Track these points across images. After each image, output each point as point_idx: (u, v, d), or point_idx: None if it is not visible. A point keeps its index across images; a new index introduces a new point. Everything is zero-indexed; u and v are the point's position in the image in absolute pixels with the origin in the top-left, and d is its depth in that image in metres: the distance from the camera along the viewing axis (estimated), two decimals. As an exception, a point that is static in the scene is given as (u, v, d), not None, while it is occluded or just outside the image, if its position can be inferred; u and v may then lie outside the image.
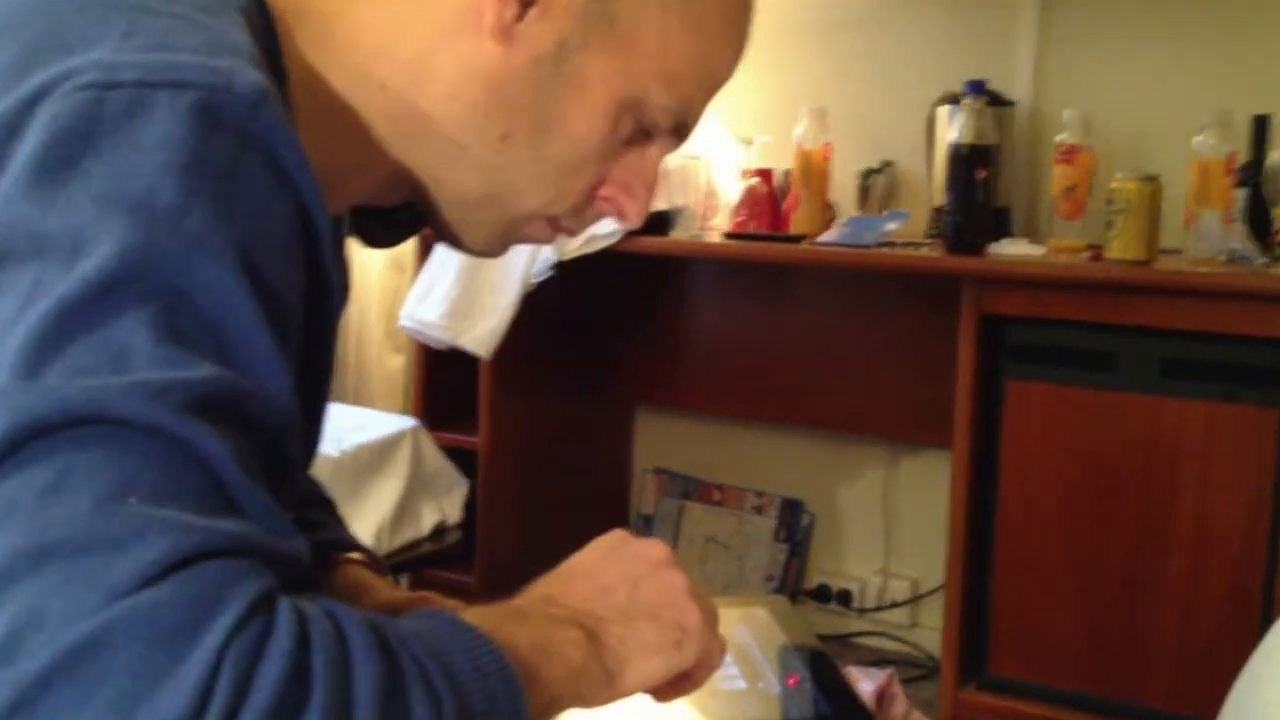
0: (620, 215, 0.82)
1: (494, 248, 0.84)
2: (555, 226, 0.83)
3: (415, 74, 0.76)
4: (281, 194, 0.62)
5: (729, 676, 0.94)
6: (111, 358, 0.55)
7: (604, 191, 0.81)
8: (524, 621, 0.69)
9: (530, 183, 0.79)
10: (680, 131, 0.81)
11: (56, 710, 0.49)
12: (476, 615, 0.65)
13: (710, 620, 0.76)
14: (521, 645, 0.65)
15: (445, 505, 2.77)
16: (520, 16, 0.74)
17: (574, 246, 2.69)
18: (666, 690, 0.76)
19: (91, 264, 0.56)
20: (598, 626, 0.71)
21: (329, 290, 0.68)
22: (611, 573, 0.76)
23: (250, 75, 0.63)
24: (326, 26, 0.76)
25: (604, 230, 2.65)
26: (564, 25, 0.74)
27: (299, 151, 0.63)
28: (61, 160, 0.58)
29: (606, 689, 0.71)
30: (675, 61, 0.77)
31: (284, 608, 0.54)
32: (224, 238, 0.59)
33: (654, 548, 0.78)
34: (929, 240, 2.67)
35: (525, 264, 2.71)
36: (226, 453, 0.55)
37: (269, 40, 0.71)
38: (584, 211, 0.82)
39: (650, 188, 0.82)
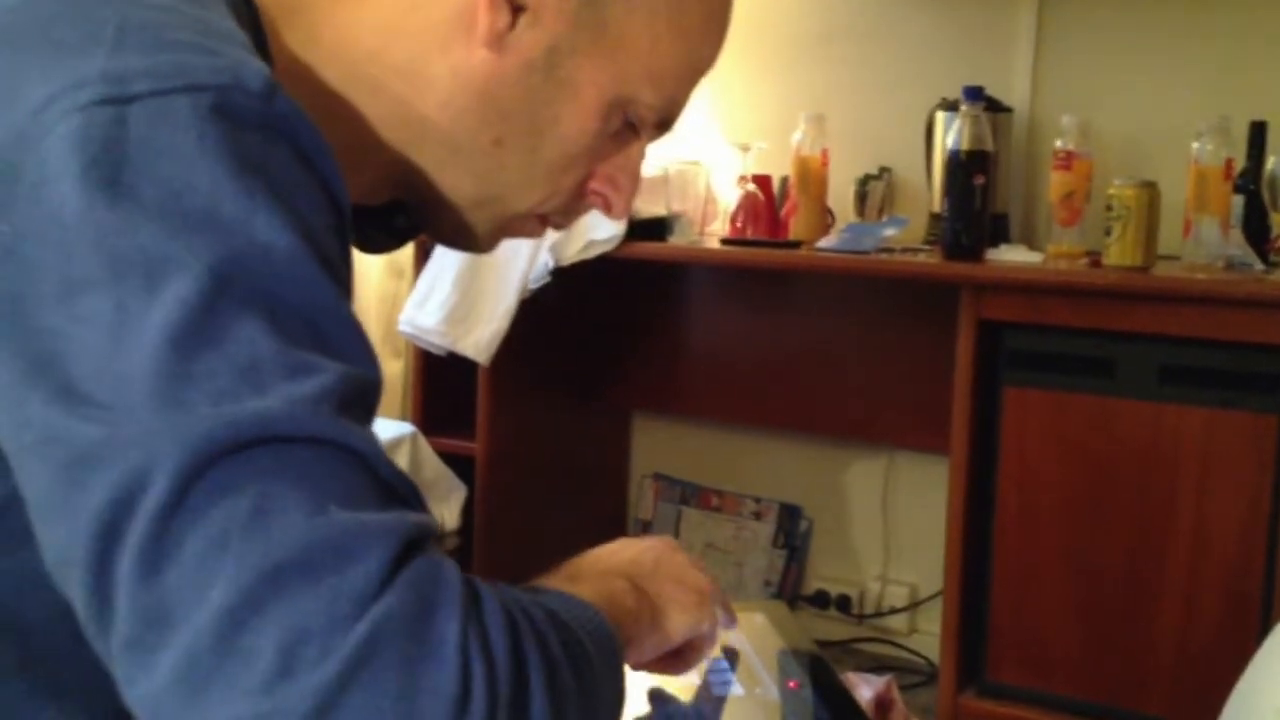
0: (606, 208, 0.84)
1: (486, 245, 0.86)
2: (545, 222, 0.85)
3: (410, 81, 0.76)
4: (311, 179, 0.63)
5: (727, 682, 0.94)
6: (242, 375, 0.56)
7: (591, 185, 0.83)
8: (581, 581, 0.73)
9: (523, 183, 0.80)
10: (664, 125, 0.83)
11: (356, 710, 0.52)
12: (546, 582, 0.71)
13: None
14: (590, 598, 0.69)
15: (443, 511, 2.77)
16: (512, 25, 0.75)
17: (572, 252, 2.69)
18: (674, 663, 0.84)
19: (183, 285, 0.56)
20: (639, 581, 0.78)
21: (351, 269, 0.69)
22: (634, 552, 0.82)
23: (255, 66, 0.63)
24: (314, 26, 0.76)
25: (602, 235, 2.65)
26: (555, 31, 0.75)
27: (317, 135, 0.64)
28: (107, 180, 0.58)
29: (654, 634, 0.78)
30: (663, 61, 0.78)
31: (485, 590, 0.59)
32: (294, 232, 0.59)
33: (663, 539, 0.86)
34: (927, 246, 2.68)
35: (523, 270, 2.71)
36: (373, 447, 0.58)
37: (256, 35, 0.71)
38: (573, 207, 0.84)
39: (635, 180, 0.84)
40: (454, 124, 0.77)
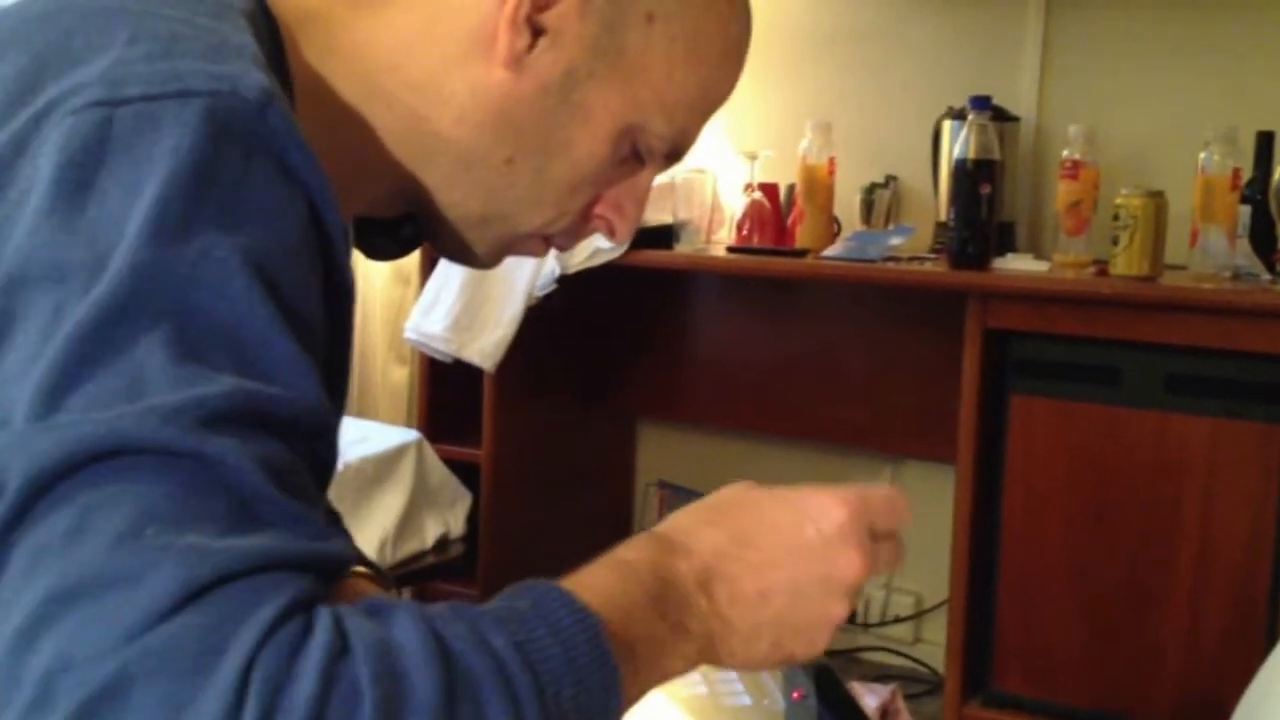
0: (610, 233, 0.84)
1: (490, 261, 0.86)
2: (549, 242, 0.85)
3: (425, 95, 0.76)
4: (293, 196, 0.62)
5: (734, 693, 0.93)
6: (127, 385, 0.55)
7: (597, 210, 0.83)
8: (656, 610, 0.65)
9: (531, 203, 0.80)
10: (674, 155, 0.83)
11: None
12: (614, 580, 0.64)
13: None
14: (637, 635, 0.63)
15: (449, 518, 2.77)
16: (531, 46, 0.75)
17: (578, 260, 2.70)
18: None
19: (103, 287, 0.56)
20: (718, 643, 0.68)
21: (345, 290, 0.68)
22: (785, 568, 0.70)
23: (256, 78, 0.63)
24: (332, 40, 0.76)
25: (608, 244, 2.65)
26: (573, 55, 0.76)
27: (309, 153, 0.63)
28: (77, 183, 0.58)
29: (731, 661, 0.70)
30: (678, 92, 0.78)
31: (320, 619, 0.53)
32: (233, 246, 0.58)
33: (848, 541, 0.71)
34: (933, 255, 2.67)
35: (529, 277, 2.71)
36: (249, 465, 0.54)
37: (273, 46, 0.72)
38: (578, 229, 0.84)
39: (640, 207, 0.84)
40: (468, 140, 0.77)
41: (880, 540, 0.73)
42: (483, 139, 0.77)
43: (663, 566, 0.67)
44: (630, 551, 0.68)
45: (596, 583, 0.64)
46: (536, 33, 0.75)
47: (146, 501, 0.53)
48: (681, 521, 0.73)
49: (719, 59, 0.80)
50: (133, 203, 0.58)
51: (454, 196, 0.80)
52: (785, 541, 0.71)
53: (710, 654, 0.68)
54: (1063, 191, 2.53)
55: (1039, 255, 2.60)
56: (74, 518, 0.52)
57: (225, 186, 0.59)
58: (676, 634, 0.66)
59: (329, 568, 0.57)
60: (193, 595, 0.51)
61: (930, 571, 2.93)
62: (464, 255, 0.85)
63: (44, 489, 0.53)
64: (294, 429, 0.58)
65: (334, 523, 1.04)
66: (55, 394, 0.54)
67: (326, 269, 0.66)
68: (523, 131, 0.77)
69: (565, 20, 0.75)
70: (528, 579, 0.64)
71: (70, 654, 0.50)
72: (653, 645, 0.64)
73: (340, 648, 0.52)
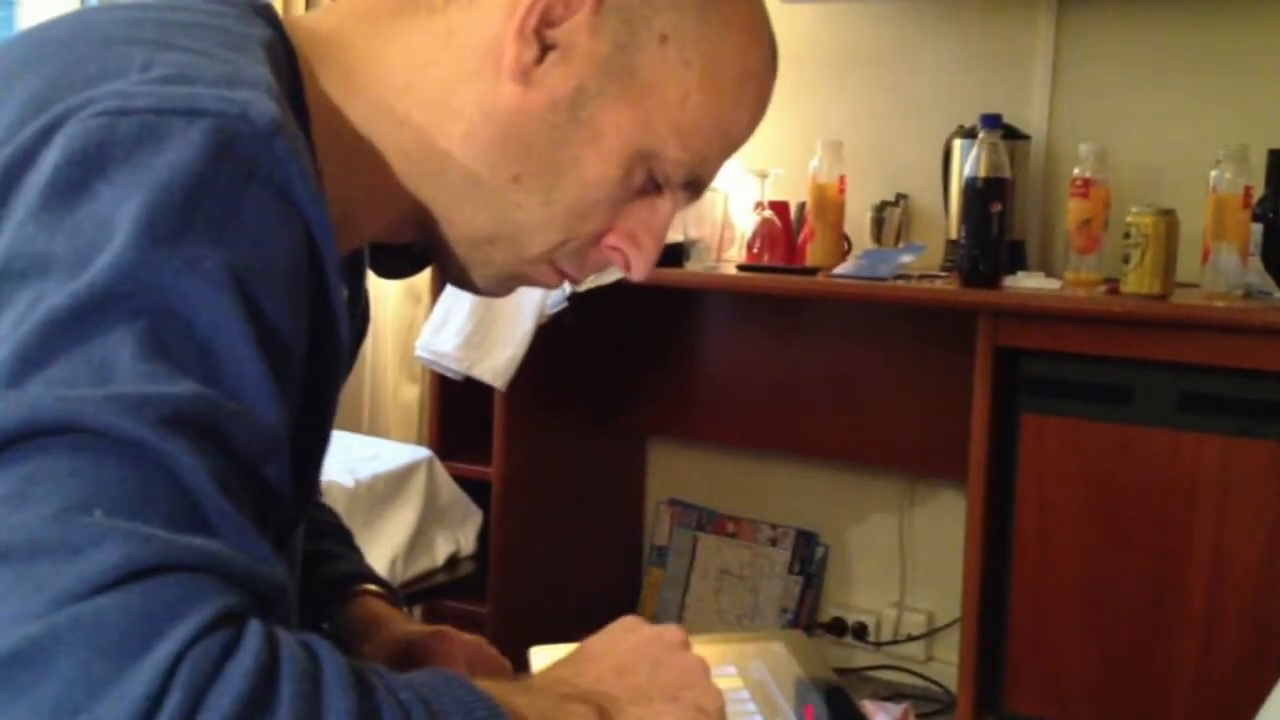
0: (625, 266, 0.83)
1: (499, 288, 0.85)
2: (559, 272, 0.83)
3: (436, 111, 0.76)
4: (290, 226, 0.63)
5: (746, 712, 0.93)
6: (94, 370, 0.55)
7: (611, 240, 0.81)
8: (532, 694, 0.68)
9: (538, 225, 0.79)
10: (693, 187, 0.82)
11: None
12: (483, 685, 0.64)
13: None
14: (525, 714, 0.64)
15: (459, 536, 2.76)
16: (540, 60, 0.75)
17: (589, 278, 2.70)
18: None
19: (85, 278, 0.56)
20: (613, 707, 0.70)
21: (334, 324, 0.68)
22: (628, 654, 0.75)
23: (266, 106, 0.63)
24: (350, 64, 0.76)
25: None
26: (584, 73, 0.75)
27: (311, 185, 0.63)
28: (73, 183, 0.59)
29: None
30: (691, 117, 0.77)
31: (253, 630, 0.53)
32: (219, 260, 0.59)
33: (669, 631, 0.77)
34: (944, 273, 2.67)
35: (540, 296, 2.71)
36: (203, 470, 0.55)
37: (292, 78, 0.72)
38: (589, 258, 0.83)
39: (658, 241, 0.82)
40: (475, 157, 0.77)
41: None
42: (490, 155, 0.77)
43: (512, 680, 0.75)
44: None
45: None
46: (546, 48, 0.75)
47: (97, 483, 0.53)
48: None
49: (736, 87, 0.79)
50: (123, 205, 0.58)
51: (462, 215, 0.79)
52: (612, 636, 0.77)
53: (609, 717, 0.70)
54: (1073, 209, 2.53)
55: (1050, 273, 2.59)
56: (17, 483, 0.52)
57: (219, 202, 0.60)
58: (562, 701, 0.68)
59: (267, 590, 0.56)
60: (133, 576, 0.51)
61: (942, 590, 2.92)
62: (472, 281, 0.84)
63: None
64: (247, 449, 0.58)
65: (345, 540, 1.04)
66: (20, 371, 0.55)
67: (316, 304, 0.65)
68: (530, 149, 0.76)
69: (575, 37, 0.75)
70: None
71: None
72: (542, 713, 0.66)
73: (269, 660, 0.52)
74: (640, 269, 0.83)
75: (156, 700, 0.49)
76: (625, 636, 0.76)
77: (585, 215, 0.79)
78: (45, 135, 0.61)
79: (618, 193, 0.79)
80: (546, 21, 0.74)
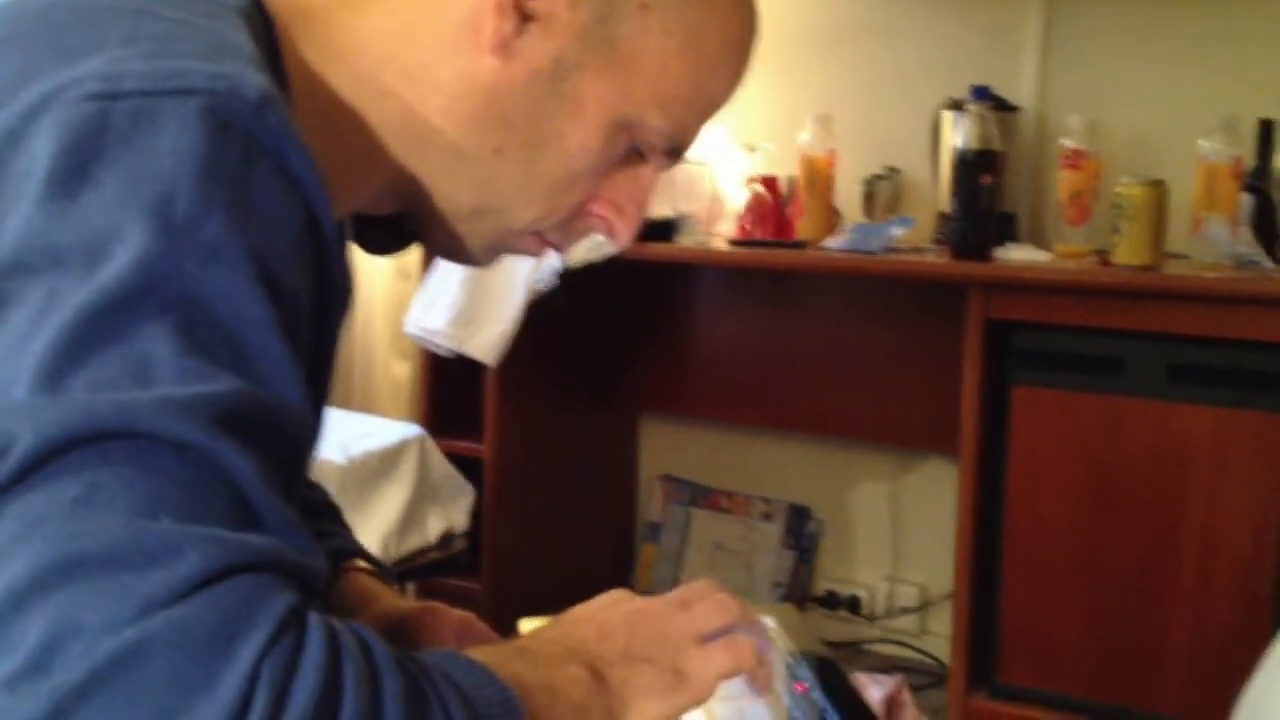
0: (610, 234, 0.82)
1: (483, 258, 0.85)
2: (544, 241, 0.84)
3: (417, 84, 0.76)
4: (290, 198, 0.62)
5: (737, 685, 0.93)
6: (134, 370, 0.55)
7: (595, 209, 0.81)
8: (527, 659, 0.69)
9: (522, 197, 0.79)
10: (674, 153, 0.82)
11: None
12: (479, 653, 0.65)
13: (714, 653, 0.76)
14: (527, 682, 0.65)
15: (452, 513, 2.76)
16: (519, 32, 0.74)
17: (579, 254, 2.69)
18: None
19: (110, 273, 0.56)
20: (601, 666, 0.71)
21: (334, 294, 0.68)
22: (611, 620, 0.76)
23: (255, 78, 0.63)
24: (328, 33, 0.76)
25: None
26: (563, 44, 0.75)
27: (306, 154, 0.63)
28: (72, 171, 0.58)
29: None
30: (673, 86, 0.77)
31: (314, 622, 0.55)
32: (241, 245, 0.58)
33: (656, 600, 0.78)
34: (935, 246, 2.67)
35: (530, 271, 2.71)
36: (251, 468, 0.55)
37: (269, 44, 0.71)
38: (574, 228, 0.83)
39: (642, 207, 0.82)
40: (457, 130, 0.76)
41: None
42: (472, 128, 0.76)
43: (505, 644, 0.73)
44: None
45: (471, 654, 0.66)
46: (526, 19, 0.74)
47: (159, 488, 0.53)
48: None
49: (717, 55, 0.79)
50: (133, 195, 0.57)
51: (445, 188, 0.79)
52: (598, 603, 0.78)
53: (601, 676, 0.71)
54: (1064, 181, 2.53)
55: (1040, 245, 2.59)
56: (81, 489, 0.52)
57: (229, 184, 0.59)
58: (556, 662, 0.70)
59: (313, 580, 0.58)
60: (209, 580, 0.52)
61: (935, 563, 2.93)
62: (457, 252, 0.84)
63: (49, 457, 0.53)
64: (283, 436, 0.59)
65: (335, 517, 1.04)
66: (57, 371, 0.54)
67: (317, 274, 0.65)
68: (512, 121, 0.76)
69: (555, 7, 0.74)
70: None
71: (78, 622, 0.50)
72: (541, 680, 0.67)
73: (334, 648, 0.54)
74: (624, 236, 0.83)
75: (247, 700, 0.50)
76: (600, 609, 0.77)
77: (568, 186, 0.79)
78: (30, 117, 0.60)
79: (599, 162, 0.78)
80: None
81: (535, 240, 0.83)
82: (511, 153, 0.77)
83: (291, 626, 0.53)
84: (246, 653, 0.51)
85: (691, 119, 0.80)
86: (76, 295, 0.55)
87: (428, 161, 0.78)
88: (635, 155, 0.80)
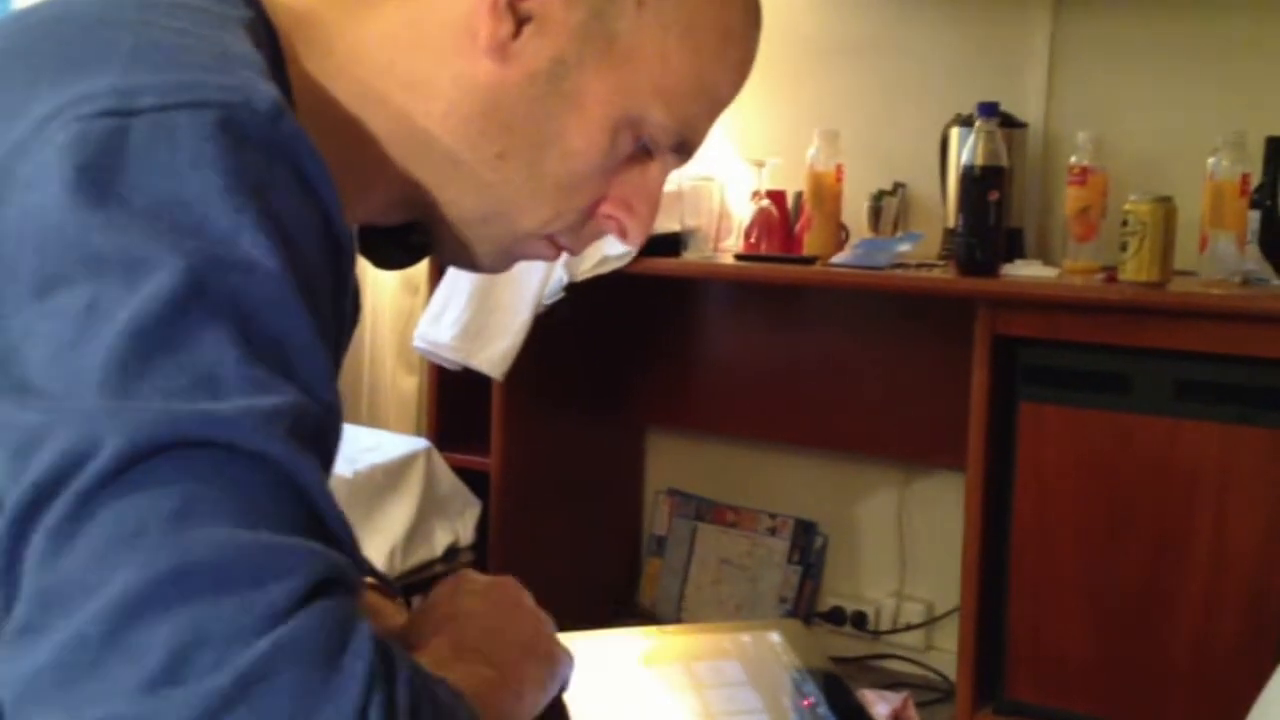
0: (621, 233, 0.82)
1: (497, 265, 0.84)
2: (555, 244, 0.83)
3: (416, 91, 0.75)
4: (309, 204, 0.63)
5: (745, 703, 0.93)
6: (200, 379, 0.55)
7: (605, 209, 0.81)
8: (461, 663, 0.71)
9: (528, 200, 0.78)
10: (682, 150, 0.81)
11: None
12: (425, 655, 0.69)
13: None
14: (466, 688, 0.65)
15: (458, 526, 2.77)
16: (516, 34, 0.74)
17: (586, 268, 2.70)
18: None
19: (159, 284, 0.56)
20: (498, 663, 0.74)
21: (350, 298, 0.69)
22: (490, 614, 0.78)
23: (265, 89, 0.63)
24: (329, 43, 0.76)
25: (616, 251, 2.65)
26: (560, 43, 0.74)
27: (320, 162, 0.63)
28: (97, 184, 0.58)
29: None
30: (674, 80, 0.76)
31: (378, 634, 0.56)
32: (279, 256, 0.59)
33: (510, 586, 0.82)
34: (942, 262, 2.67)
35: (538, 285, 2.71)
36: (318, 480, 0.57)
37: (274, 56, 0.71)
38: (584, 229, 0.82)
39: (653, 205, 0.81)
40: (456, 136, 0.76)
41: None
42: (470, 133, 0.76)
43: (435, 642, 0.75)
44: None
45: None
46: (521, 21, 0.74)
47: (251, 499, 0.54)
48: None
49: (718, 46, 0.78)
50: (170, 209, 0.58)
51: (449, 195, 0.79)
52: (471, 598, 0.80)
53: (505, 677, 0.73)
54: (1071, 198, 2.52)
55: (1048, 261, 2.59)
56: (178, 501, 0.53)
57: (256, 193, 0.59)
58: (477, 665, 0.73)
59: (357, 586, 0.59)
60: (315, 593, 0.54)
61: (941, 579, 2.92)
62: (467, 260, 0.84)
63: (132, 463, 0.53)
64: (331, 445, 0.61)
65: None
66: (124, 379, 0.54)
67: (336, 278, 0.66)
68: (512, 124, 0.76)
69: (550, 7, 0.73)
70: None
71: (205, 631, 0.51)
72: (473, 687, 0.68)
73: (385, 649, 0.56)
74: (636, 235, 0.82)
75: (365, 702, 0.53)
76: (463, 593, 0.80)
77: (575, 187, 0.78)
78: (38, 128, 0.60)
79: (606, 161, 0.78)
80: None
81: (547, 244, 0.83)
82: (514, 156, 0.77)
83: (381, 644, 0.55)
84: (357, 662, 0.53)
85: (697, 113, 0.79)
86: (125, 306, 0.55)
87: (431, 169, 0.77)
88: (643, 153, 0.79)
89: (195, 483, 0.53)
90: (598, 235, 0.83)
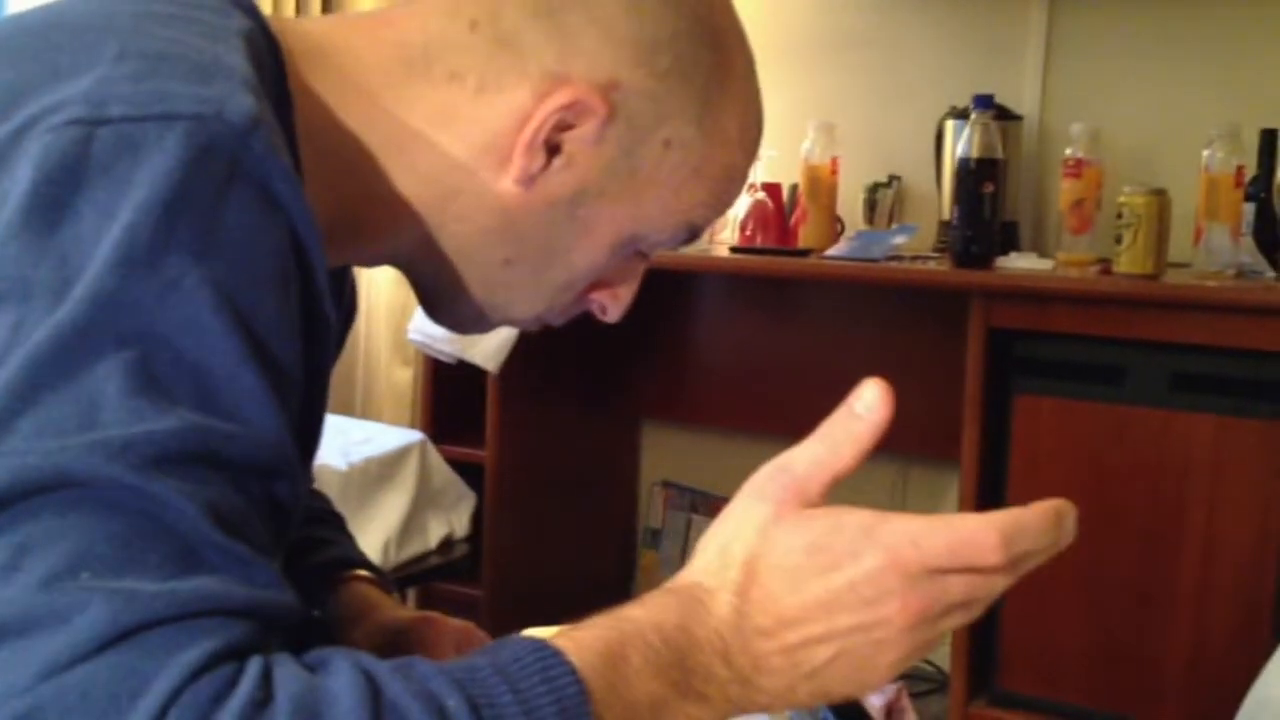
0: (601, 314, 0.87)
1: (475, 333, 0.89)
2: (539, 321, 0.87)
3: (430, 186, 0.77)
4: (274, 222, 0.61)
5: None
6: (82, 412, 0.54)
7: (593, 295, 0.85)
8: (663, 676, 0.61)
9: (525, 298, 0.83)
10: (684, 242, 0.85)
11: None
12: (613, 641, 0.60)
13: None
14: (635, 699, 0.59)
15: (453, 519, 2.76)
16: (545, 166, 0.75)
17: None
18: None
19: (66, 309, 0.55)
20: (744, 705, 0.63)
21: (324, 318, 0.67)
22: (814, 624, 0.64)
23: (242, 101, 0.62)
24: (344, 84, 0.76)
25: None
26: (586, 176, 0.76)
27: (293, 181, 0.62)
28: (52, 201, 0.57)
29: None
30: (683, 204, 0.80)
31: (250, 668, 0.52)
32: (202, 276, 0.57)
33: (880, 585, 0.66)
34: (937, 254, 2.67)
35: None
36: (194, 508, 0.53)
37: (275, 70, 0.71)
38: (569, 312, 0.87)
39: (634, 291, 0.86)
40: (468, 238, 0.78)
41: (950, 574, 0.67)
42: (484, 239, 0.78)
43: (676, 632, 0.62)
44: (640, 610, 0.63)
45: (592, 641, 0.60)
46: (552, 153, 0.75)
47: (85, 542, 0.52)
48: (700, 576, 0.67)
49: (722, 179, 0.81)
50: (105, 226, 0.57)
51: (448, 279, 0.81)
52: (812, 596, 0.64)
53: (734, 712, 0.63)
54: (1066, 190, 2.53)
55: (1042, 254, 2.59)
56: (8, 554, 0.51)
57: (200, 213, 0.58)
58: (686, 698, 0.61)
59: (274, 615, 0.55)
60: (118, 638, 0.50)
61: (935, 571, 2.92)
62: (447, 323, 0.87)
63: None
64: (248, 469, 0.57)
65: (337, 525, 1.04)
66: (7, 416, 0.54)
67: (306, 299, 0.65)
68: (524, 239, 0.78)
69: (583, 145, 0.75)
70: (515, 635, 0.61)
71: None
72: (655, 710, 0.60)
73: (263, 699, 0.51)
74: (615, 316, 0.87)
75: None
76: (825, 577, 0.66)
77: (569, 288, 0.83)
78: (16, 137, 0.59)
79: (605, 269, 0.82)
80: (558, 128, 0.75)
81: (533, 321, 0.87)
82: (520, 264, 0.80)
83: (212, 670, 0.51)
84: (146, 707, 0.49)
85: (705, 218, 0.83)
86: (37, 330, 0.54)
87: (434, 254, 0.80)
88: (636, 256, 0.84)
89: (32, 530, 0.51)
90: (578, 312, 0.87)
